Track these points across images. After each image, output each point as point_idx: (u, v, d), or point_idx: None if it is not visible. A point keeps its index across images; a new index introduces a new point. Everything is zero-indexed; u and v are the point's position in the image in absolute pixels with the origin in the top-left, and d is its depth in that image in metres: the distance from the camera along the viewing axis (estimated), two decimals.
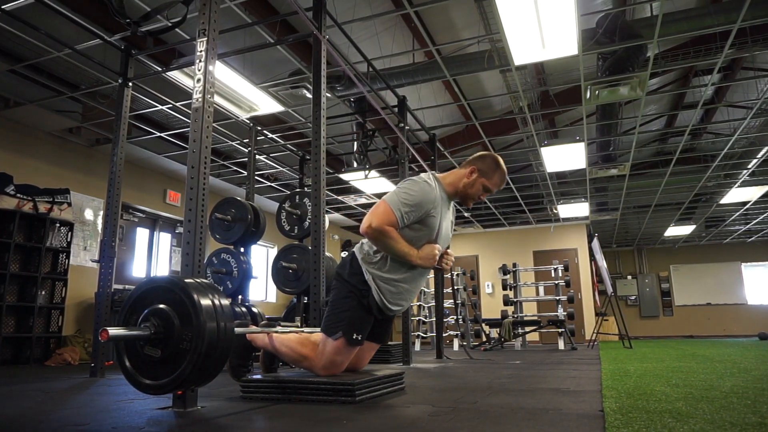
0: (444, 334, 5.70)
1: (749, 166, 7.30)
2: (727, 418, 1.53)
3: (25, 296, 4.98)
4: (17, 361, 4.83)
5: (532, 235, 11.21)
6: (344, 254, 2.40)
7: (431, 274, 7.70)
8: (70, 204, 5.44)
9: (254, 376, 2.15)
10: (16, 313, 4.91)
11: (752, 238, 12.88)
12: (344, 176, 7.20)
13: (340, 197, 8.57)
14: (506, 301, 7.63)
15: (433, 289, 6.58)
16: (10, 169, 5.08)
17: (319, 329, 2.44)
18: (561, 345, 7.19)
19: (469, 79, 5.30)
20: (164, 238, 7.30)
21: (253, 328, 2.38)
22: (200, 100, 2.04)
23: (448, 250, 2.23)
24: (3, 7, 3.40)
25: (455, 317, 7.05)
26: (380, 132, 5.68)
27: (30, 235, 5.11)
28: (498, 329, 7.38)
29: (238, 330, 1.85)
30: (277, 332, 2.26)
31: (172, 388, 1.64)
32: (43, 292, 5.11)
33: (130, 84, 3.72)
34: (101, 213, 6.11)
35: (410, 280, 2.16)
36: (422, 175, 2.18)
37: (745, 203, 9.32)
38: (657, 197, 8.98)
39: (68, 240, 5.38)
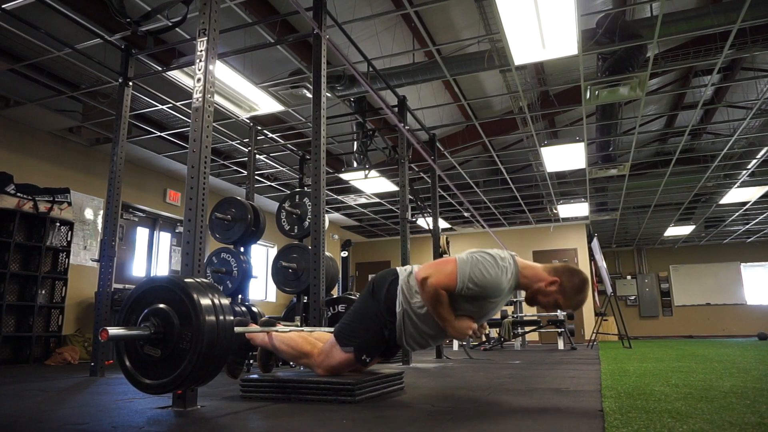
0: None
1: (749, 167, 7.30)
2: (726, 417, 1.53)
3: (25, 295, 4.98)
4: (17, 360, 4.83)
5: (531, 235, 11.21)
6: (399, 272, 2.21)
7: None
8: (70, 203, 5.44)
9: (252, 376, 2.15)
10: (16, 313, 4.91)
11: (751, 239, 12.88)
12: (344, 176, 7.20)
13: (340, 197, 8.58)
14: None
15: None
16: (10, 168, 5.09)
17: (318, 329, 2.44)
18: (560, 345, 7.20)
19: (469, 79, 5.30)
20: (164, 238, 7.30)
21: (253, 327, 2.38)
22: (200, 99, 2.04)
23: (485, 325, 2.11)
24: (3, 6, 3.40)
25: None
26: (380, 132, 5.68)
27: (30, 234, 5.11)
28: (497, 329, 7.39)
29: (237, 329, 1.85)
30: (277, 331, 2.26)
31: (172, 387, 1.64)
32: (43, 292, 5.11)
33: (131, 83, 3.72)
34: (101, 212, 6.11)
35: (435, 336, 2.08)
36: (506, 256, 2.01)
37: (744, 203, 9.33)
38: (657, 197, 8.98)
39: (68, 239, 5.38)
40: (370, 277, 2.45)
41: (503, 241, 11.38)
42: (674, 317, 13.52)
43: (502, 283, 1.95)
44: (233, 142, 6.24)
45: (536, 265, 2.07)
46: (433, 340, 2.10)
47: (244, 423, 1.59)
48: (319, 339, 2.25)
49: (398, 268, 2.17)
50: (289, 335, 2.21)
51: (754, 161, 7.04)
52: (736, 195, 8.59)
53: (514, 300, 7.71)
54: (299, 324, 3.65)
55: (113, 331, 1.57)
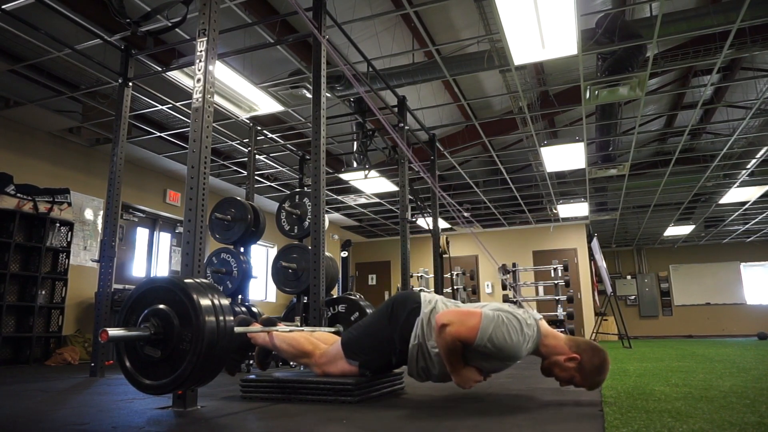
0: None
1: (748, 166, 7.30)
2: (726, 417, 1.53)
3: (25, 296, 4.98)
4: (17, 360, 4.83)
5: (531, 235, 11.22)
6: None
7: (426, 267, 7.70)
8: (70, 204, 5.44)
9: (252, 376, 2.15)
10: (16, 313, 4.91)
11: (751, 238, 12.89)
12: (344, 176, 7.20)
13: (340, 197, 8.58)
14: (506, 301, 7.63)
15: (433, 289, 6.57)
16: (10, 168, 5.08)
17: (318, 329, 2.45)
18: None
19: (469, 79, 5.30)
20: (164, 238, 7.30)
21: (253, 327, 2.38)
22: (200, 100, 2.04)
23: (487, 377, 2.06)
24: (3, 7, 3.39)
25: None
26: (380, 132, 5.68)
27: (30, 234, 5.10)
28: None
29: (237, 329, 1.85)
30: (277, 331, 2.26)
31: (172, 388, 1.64)
32: (43, 292, 5.11)
33: (130, 84, 3.72)
34: (101, 213, 6.11)
35: (441, 376, 2.05)
36: (532, 323, 1.93)
37: (744, 203, 9.33)
38: (656, 197, 8.98)
39: (68, 240, 5.38)
40: (386, 294, 2.41)
41: (503, 240, 11.39)
42: (674, 317, 13.52)
43: (521, 351, 1.88)
44: (233, 143, 6.24)
45: (559, 336, 1.98)
46: (438, 380, 2.07)
47: (244, 423, 1.59)
48: (320, 339, 2.25)
49: (422, 296, 2.10)
50: (290, 334, 2.21)
51: (754, 161, 7.04)
52: (735, 195, 8.59)
53: (514, 300, 7.71)
54: (299, 324, 3.65)
55: (113, 332, 1.57)
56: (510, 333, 1.85)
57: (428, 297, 2.10)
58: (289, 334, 2.21)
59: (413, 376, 2.09)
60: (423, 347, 1.99)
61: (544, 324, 1.98)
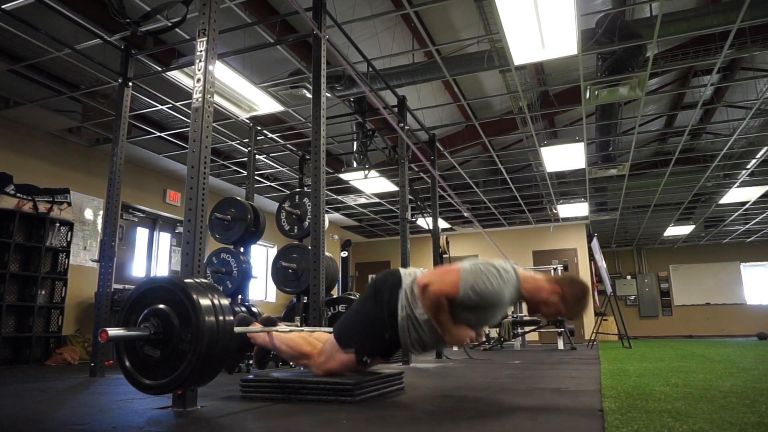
0: None
1: (748, 166, 7.30)
2: (726, 417, 1.53)
3: (25, 296, 4.98)
4: (17, 360, 4.83)
5: (531, 235, 11.22)
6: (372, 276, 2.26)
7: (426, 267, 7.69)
8: (70, 204, 5.44)
9: (252, 376, 2.15)
10: (16, 313, 4.91)
11: (751, 238, 12.89)
12: (344, 176, 7.20)
13: (340, 197, 8.58)
14: None
15: None
16: (10, 168, 5.08)
17: (318, 329, 2.44)
18: (560, 345, 7.20)
19: (469, 79, 5.30)
20: (164, 238, 7.30)
21: (253, 327, 2.38)
22: (200, 100, 2.04)
23: (482, 333, 2.13)
24: (3, 7, 3.39)
25: None
26: (380, 132, 5.68)
27: (30, 234, 5.10)
28: (497, 329, 7.39)
29: (237, 329, 1.85)
30: (277, 331, 2.26)
31: (172, 388, 1.64)
32: (43, 292, 5.11)
33: (130, 84, 3.72)
34: (101, 213, 6.11)
35: (431, 341, 2.08)
36: (509, 269, 2.01)
37: (744, 203, 9.32)
38: (656, 197, 8.98)
39: (68, 240, 5.38)
40: (370, 277, 2.44)
41: (503, 240, 11.39)
42: (674, 317, 13.52)
43: (504, 295, 1.96)
44: (233, 143, 6.23)
45: (537, 276, 2.08)
46: (433, 346, 2.10)
47: (244, 423, 1.59)
48: (318, 339, 2.25)
49: (401, 271, 2.16)
50: (290, 335, 2.21)
51: (754, 161, 7.04)
52: (735, 195, 8.59)
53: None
54: (299, 324, 3.65)
55: (113, 331, 1.57)
56: (490, 280, 1.93)
57: (407, 271, 2.15)
58: (288, 336, 2.21)
59: (409, 351, 2.11)
60: (411, 317, 2.03)
61: (521, 269, 2.08)
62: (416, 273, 2.12)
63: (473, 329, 2.01)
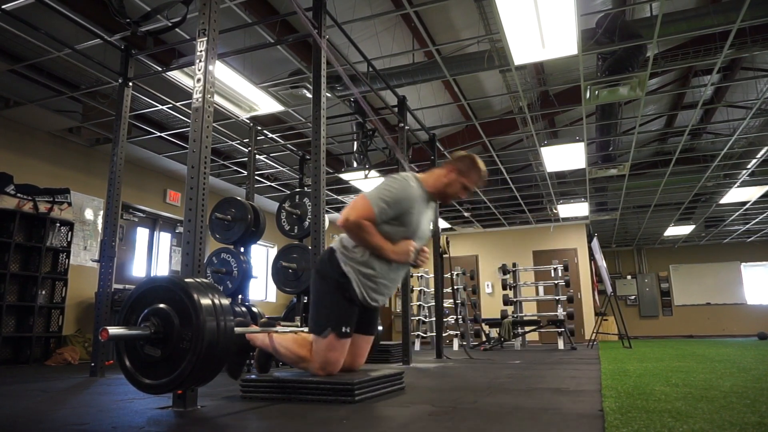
0: (444, 334, 5.70)
1: (749, 166, 7.29)
2: (726, 417, 1.53)
3: (25, 296, 4.98)
4: (17, 360, 4.83)
5: (531, 235, 11.21)
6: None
7: (426, 267, 7.69)
8: (70, 204, 5.44)
9: (252, 376, 2.15)
10: (16, 313, 4.91)
11: (751, 238, 12.88)
12: (344, 176, 7.20)
13: (340, 197, 8.58)
14: (506, 301, 7.63)
15: (433, 289, 6.58)
16: (10, 168, 5.08)
17: None
18: (561, 345, 7.20)
19: (469, 79, 5.30)
20: (164, 238, 7.30)
21: (253, 327, 2.38)
22: (200, 100, 2.04)
23: (425, 248, 2.26)
24: (3, 7, 3.39)
25: (455, 317, 7.05)
26: (380, 132, 5.68)
27: (30, 234, 5.10)
28: (498, 329, 7.38)
29: (237, 330, 1.85)
30: (276, 332, 2.26)
31: (172, 387, 1.64)
32: (43, 292, 5.11)
33: (130, 84, 3.72)
34: (101, 213, 6.11)
35: (387, 275, 2.19)
36: (402, 173, 2.22)
37: (744, 203, 9.32)
38: (656, 197, 8.98)
39: (68, 240, 5.38)
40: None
41: (503, 240, 11.40)
42: (674, 317, 13.52)
43: (409, 189, 2.13)
44: (233, 142, 6.24)
45: (432, 171, 2.32)
46: (387, 279, 2.20)
47: (244, 423, 1.59)
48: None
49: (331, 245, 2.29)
50: (288, 339, 2.22)
51: (754, 161, 7.04)
52: (736, 195, 8.59)
53: (514, 300, 7.71)
54: (299, 324, 3.65)
55: (113, 330, 1.57)
56: (391, 185, 2.12)
57: (333, 240, 2.27)
58: (286, 339, 2.22)
59: (372, 302, 2.18)
60: (354, 266, 2.13)
61: (418, 174, 2.28)
62: (339, 237, 2.26)
63: (410, 240, 2.15)
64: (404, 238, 2.14)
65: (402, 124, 4.68)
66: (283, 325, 2.46)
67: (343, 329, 2.10)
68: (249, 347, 2.42)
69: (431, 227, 2.39)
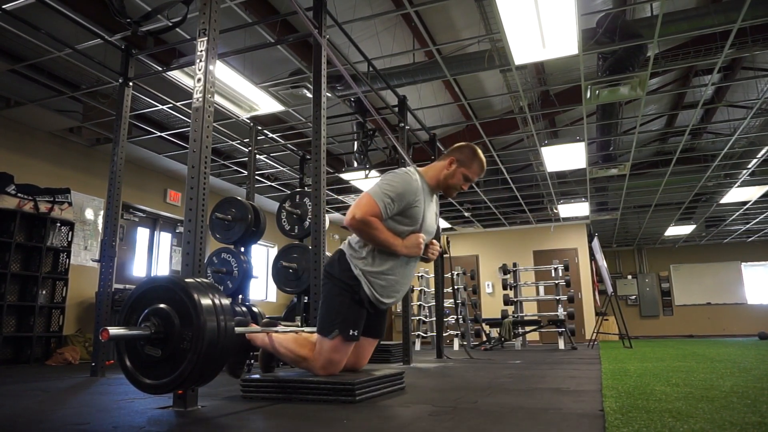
0: (444, 334, 5.70)
1: (749, 166, 7.29)
2: (727, 417, 1.53)
3: (25, 296, 4.98)
4: (18, 360, 4.84)
5: (532, 235, 11.21)
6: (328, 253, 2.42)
7: (427, 267, 7.68)
8: (70, 203, 5.44)
9: (253, 376, 2.15)
10: (16, 313, 4.91)
11: (752, 238, 12.88)
12: (344, 176, 7.20)
13: (340, 197, 8.58)
14: (506, 301, 7.63)
15: (434, 289, 6.58)
16: (10, 168, 5.09)
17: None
18: (561, 345, 7.20)
19: (469, 78, 5.30)
20: (164, 238, 7.30)
21: (254, 327, 2.38)
22: (200, 99, 2.04)
23: (434, 240, 2.25)
24: (3, 6, 3.40)
25: (455, 317, 7.05)
26: (380, 132, 5.68)
27: (31, 234, 5.11)
28: (498, 329, 7.38)
29: (238, 329, 1.85)
30: (276, 332, 2.26)
31: (173, 387, 1.64)
32: (44, 292, 5.11)
33: (131, 84, 3.72)
34: (102, 212, 6.11)
35: (398, 271, 2.17)
36: (403, 168, 2.22)
37: (745, 203, 9.32)
38: (657, 197, 8.98)
39: (69, 239, 5.38)
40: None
41: (503, 240, 11.39)
42: (675, 317, 13.51)
43: (412, 183, 2.11)
44: (233, 142, 6.24)
45: (432, 164, 2.31)
46: (399, 275, 2.18)
47: (245, 423, 1.59)
48: (316, 341, 2.25)
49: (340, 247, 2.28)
50: (288, 339, 2.21)
51: (755, 161, 7.03)
52: (736, 194, 8.59)
53: (515, 300, 7.71)
54: (299, 324, 3.65)
55: (114, 330, 1.57)
56: (393, 180, 2.11)
57: (342, 243, 2.28)
58: (287, 338, 2.21)
59: (383, 302, 2.16)
60: (364, 269, 2.11)
61: (420, 167, 2.29)
62: (347, 239, 2.25)
63: (419, 235, 2.14)
64: (412, 233, 2.14)
65: (402, 124, 4.68)
66: (284, 325, 2.46)
67: (351, 332, 2.08)
68: (250, 347, 2.41)
69: (438, 221, 2.38)
